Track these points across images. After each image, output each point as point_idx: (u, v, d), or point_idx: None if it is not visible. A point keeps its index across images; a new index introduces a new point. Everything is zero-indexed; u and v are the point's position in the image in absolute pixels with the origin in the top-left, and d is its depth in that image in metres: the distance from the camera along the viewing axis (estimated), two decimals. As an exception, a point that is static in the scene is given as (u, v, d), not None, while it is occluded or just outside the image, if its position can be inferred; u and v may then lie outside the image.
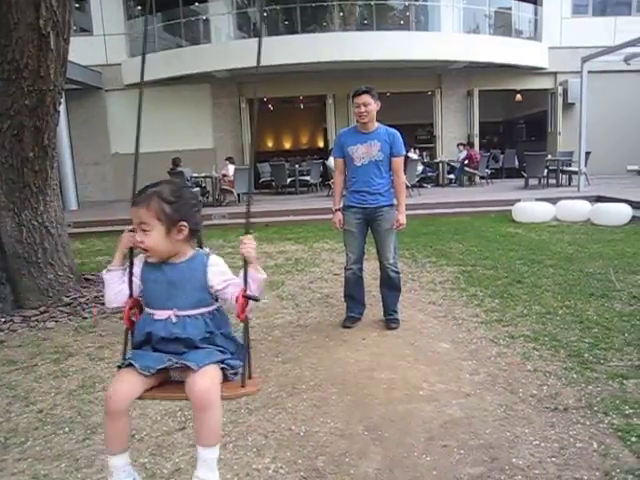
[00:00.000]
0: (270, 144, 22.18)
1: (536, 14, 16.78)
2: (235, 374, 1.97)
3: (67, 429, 2.88)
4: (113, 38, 16.21)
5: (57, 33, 4.75)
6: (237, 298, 1.91)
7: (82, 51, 14.23)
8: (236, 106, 16.36)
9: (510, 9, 16.69)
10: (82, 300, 5.30)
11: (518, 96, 18.67)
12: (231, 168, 12.81)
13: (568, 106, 16.58)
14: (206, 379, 1.82)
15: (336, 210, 4.30)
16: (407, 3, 16.03)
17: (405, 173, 11.46)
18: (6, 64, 4.64)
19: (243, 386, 1.94)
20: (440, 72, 16.45)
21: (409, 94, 17.17)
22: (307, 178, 15.12)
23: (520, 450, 2.49)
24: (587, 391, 3.01)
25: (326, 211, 11.08)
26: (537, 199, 10.07)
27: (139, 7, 16.85)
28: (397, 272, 4.32)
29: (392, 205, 4.22)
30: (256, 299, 1.93)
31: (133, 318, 2.02)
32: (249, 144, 16.58)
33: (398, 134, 4.21)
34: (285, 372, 3.50)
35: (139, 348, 1.99)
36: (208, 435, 1.85)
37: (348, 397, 3.10)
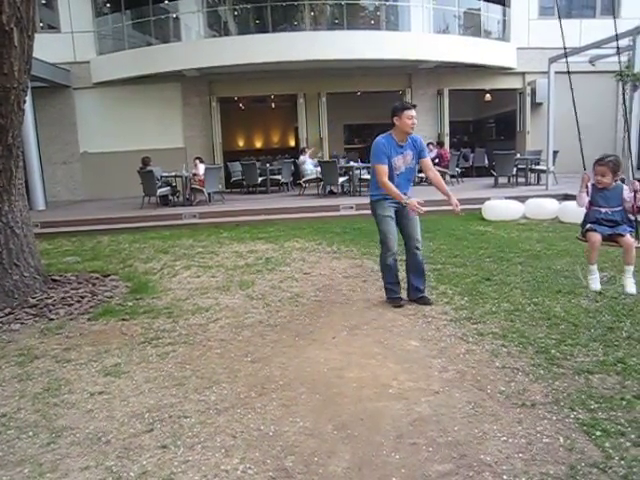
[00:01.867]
0: (241, 143, 22.05)
1: (504, 15, 16.98)
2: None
3: (31, 433, 2.83)
4: (81, 35, 15.92)
5: (21, 29, 4.65)
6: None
7: (50, 48, 14.02)
8: (206, 105, 16.22)
9: (479, 10, 16.85)
10: (49, 301, 5.20)
11: (487, 96, 18.88)
12: (201, 167, 12.71)
13: (536, 106, 16.83)
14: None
15: (407, 199, 4.53)
16: (377, 3, 16.07)
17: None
18: (-33, 61, 4.53)
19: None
20: (410, 72, 16.54)
21: (380, 93, 17.23)
22: (278, 177, 15.08)
23: (488, 446, 2.52)
24: (554, 387, 3.06)
25: (297, 210, 11.12)
26: (506, 197, 10.19)
27: (107, 4, 16.60)
28: (422, 255, 4.86)
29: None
30: None
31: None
32: (219, 143, 16.45)
33: (421, 139, 4.75)
34: (254, 372, 3.49)
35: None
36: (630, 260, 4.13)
37: (317, 396, 3.10)
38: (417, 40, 15.23)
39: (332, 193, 13.57)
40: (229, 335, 4.22)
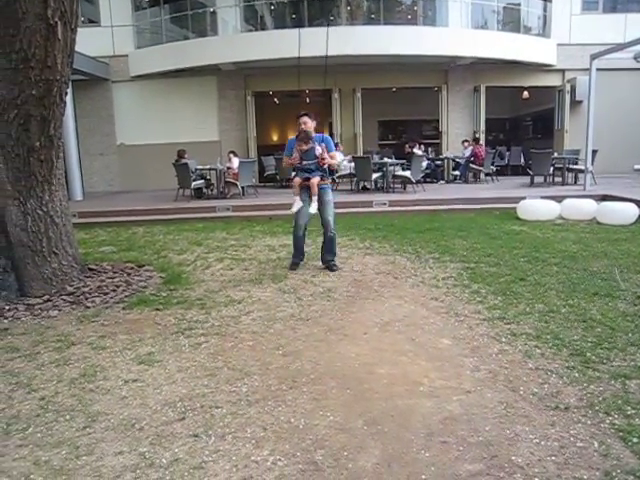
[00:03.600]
0: (275, 137, 22.13)
1: (545, 10, 16.66)
2: None
3: (68, 417, 2.90)
4: (120, 29, 16.19)
5: (64, 23, 4.75)
6: None
7: (90, 42, 14.26)
8: (242, 99, 16.33)
9: (519, 5, 16.56)
10: (85, 290, 5.32)
11: (525, 93, 18.57)
12: (235, 161, 12.80)
13: (576, 104, 16.49)
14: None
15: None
16: (415, -2, 15.96)
17: (411, 169, 11.68)
18: (14, 54, 4.64)
19: None
20: (447, 68, 16.37)
21: (415, 89, 17.11)
22: (312, 172, 15.07)
23: (520, 448, 2.50)
24: (589, 390, 3.01)
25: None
26: (542, 197, 10.05)
27: (146, -1, 16.86)
28: (334, 232, 6.16)
29: (328, 186, 6.26)
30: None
31: None
32: (254, 137, 16.54)
33: (329, 138, 6.34)
34: (286, 365, 3.51)
35: None
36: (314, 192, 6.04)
37: (348, 391, 3.11)
38: (454, 36, 15.04)
39: (365, 189, 13.54)
40: (261, 328, 4.26)
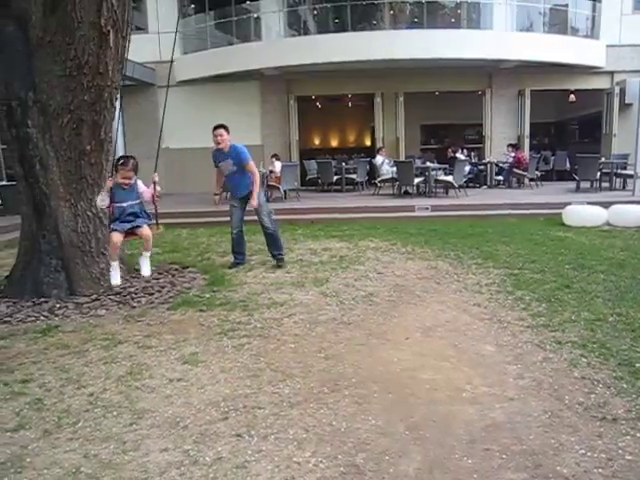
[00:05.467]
0: (317, 141, 22.19)
1: (594, 11, 16.23)
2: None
3: (115, 413, 2.99)
4: (167, 36, 16.48)
5: (116, 31, 4.92)
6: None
7: (137, 48, 14.54)
8: (284, 103, 16.44)
9: (566, 6, 16.20)
10: (131, 290, 5.46)
11: (572, 96, 18.14)
12: (277, 165, 12.90)
13: (625, 107, 16.01)
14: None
15: (215, 194, 7.22)
16: (459, 0, 15.76)
17: (453, 174, 11.58)
18: (68, 61, 4.84)
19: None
20: (491, 71, 16.12)
21: (458, 93, 16.91)
22: (353, 176, 15.06)
23: (565, 458, 2.45)
24: (638, 402, 2.94)
25: (372, 209, 11.13)
26: (589, 203, 9.79)
27: (192, 6, 17.14)
28: (273, 229, 6.59)
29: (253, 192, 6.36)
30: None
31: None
32: (296, 141, 16.62)
33: (240, 151, 6.52)
34: (327, 368, 3.53)
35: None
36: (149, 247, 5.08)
37: (390, 395, 3.11)
38: (499, 39, 14.81)
39: (407, 193, 13.47)
40: (303, 330, 4.29)
